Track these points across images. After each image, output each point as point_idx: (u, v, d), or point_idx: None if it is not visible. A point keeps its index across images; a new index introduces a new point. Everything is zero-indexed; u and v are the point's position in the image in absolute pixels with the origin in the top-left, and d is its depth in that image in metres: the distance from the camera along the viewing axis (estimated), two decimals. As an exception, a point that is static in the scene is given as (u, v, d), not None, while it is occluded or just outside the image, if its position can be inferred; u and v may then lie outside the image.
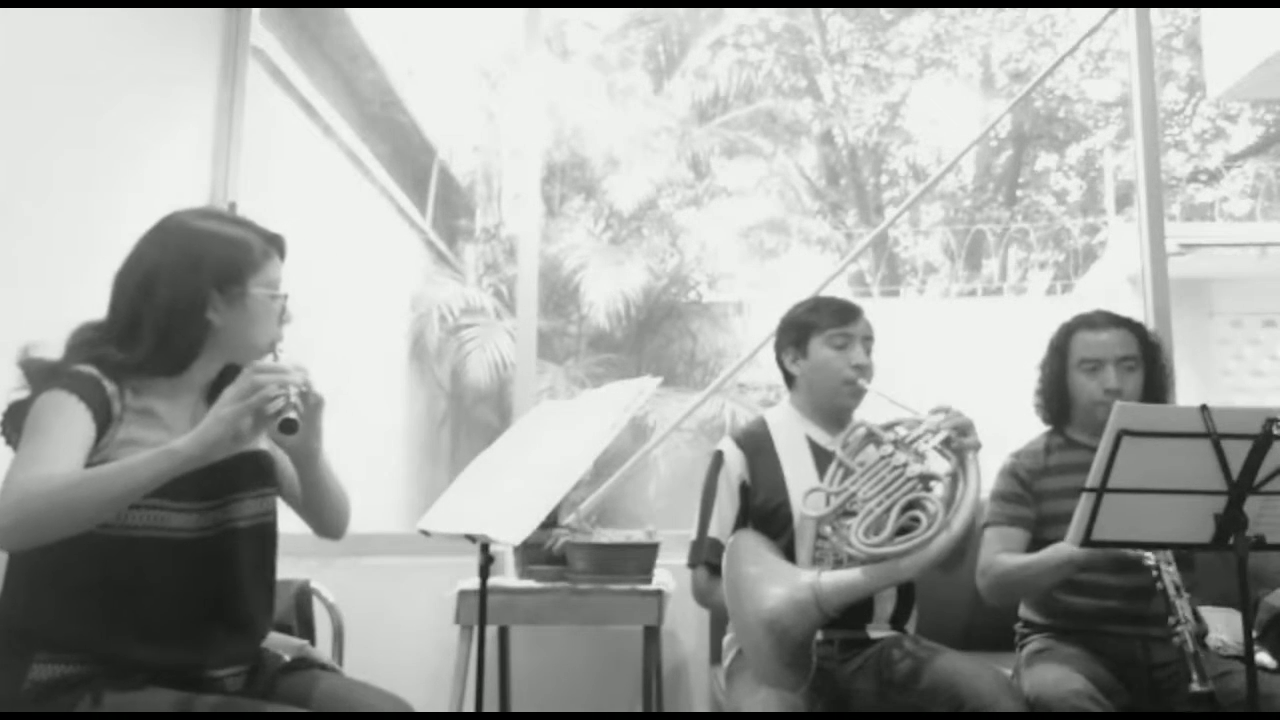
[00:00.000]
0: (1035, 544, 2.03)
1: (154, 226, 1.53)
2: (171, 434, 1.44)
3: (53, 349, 1.48)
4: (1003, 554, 2.03)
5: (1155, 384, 2.12)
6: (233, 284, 1.49)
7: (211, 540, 1.48)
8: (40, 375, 1.43)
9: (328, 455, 1.58)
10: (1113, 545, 1.69)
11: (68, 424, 1.35)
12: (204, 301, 1.47)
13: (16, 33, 2.26)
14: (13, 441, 1.40)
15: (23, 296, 2.22)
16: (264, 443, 1.58)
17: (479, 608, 1.81)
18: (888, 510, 1.74)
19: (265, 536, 1.58)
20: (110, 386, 1.42)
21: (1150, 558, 1.86)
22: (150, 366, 1.45)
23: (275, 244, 1.57)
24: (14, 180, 2.25)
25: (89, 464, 1.35)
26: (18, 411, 1.40)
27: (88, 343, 1.47)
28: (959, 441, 1.79)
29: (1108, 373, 2.06)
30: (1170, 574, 1.83)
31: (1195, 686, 1.68)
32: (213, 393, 1.54)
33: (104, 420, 1.39)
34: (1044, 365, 2.19)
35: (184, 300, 1.46)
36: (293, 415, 1.35)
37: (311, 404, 1.46)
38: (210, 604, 1.47)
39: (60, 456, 1.31)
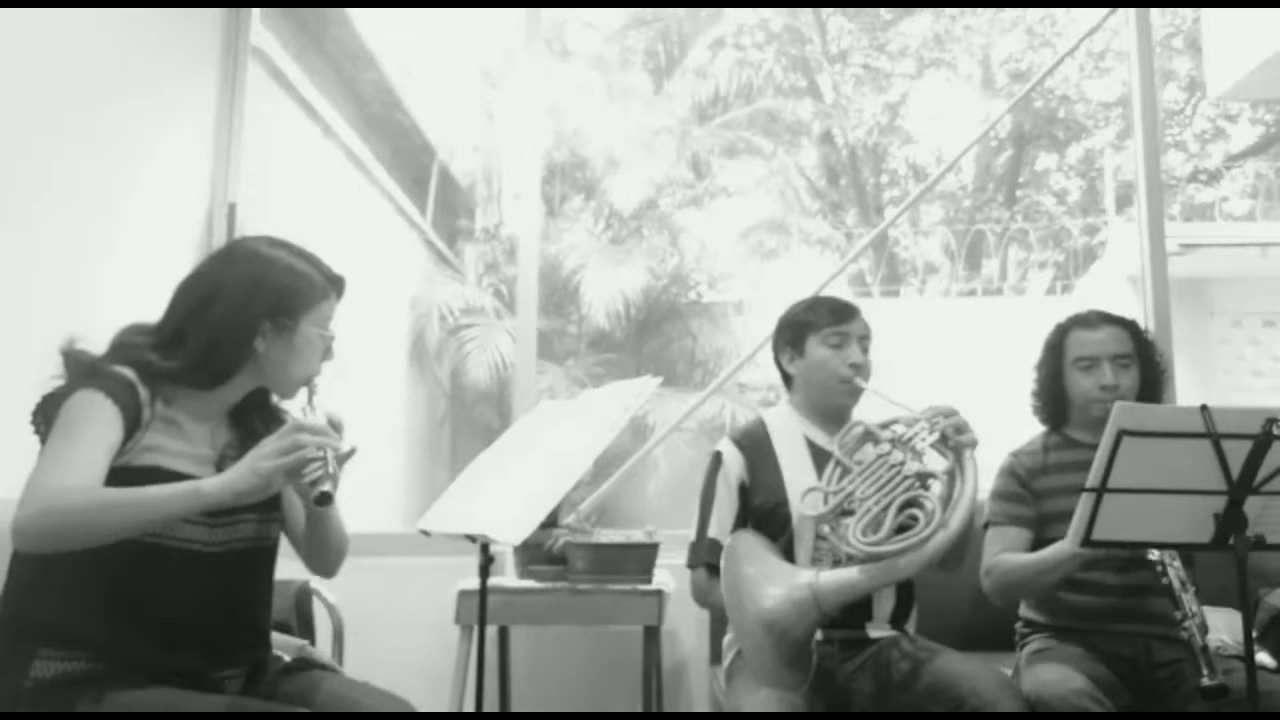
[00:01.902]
0: (1037, 543, 2.02)
1: (224, 247, 1.60)
2: (191, 445, 1.48)
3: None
4: (1005, 553, 2.03)
5: (1151, 380, 2.12)
6: (285, 316, 1.51)
7: (216, 555, 1.48)
8: (79, 370, 1.44)
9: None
10: (1113, 546, 1.69)
11: (97, 427, 1.36)
12: (254, 329, 1.49)
13: (16, 32, 2.26)
14: (41, 434, 1.41)
15: (22, 295, 2.22)
16: None
17: (479, 608, 1.81)
18: (885, 509, 1.73)
19: (265, 559, 1.59)
20: (144, 393, 1.43)
21: (1155, 553, 1.86)
22: (185, 378, 1.47)
23: (336, 284, 1.60)
24: (13, 179, 2.25)
25: (112, 466, 1.36)
26: (50, 404, 1.41)
27: (132, 345, 1.48)
28: (955, 439, 1.78)
29: (1104, 369, 2.06)
30: (1175, 569, 1.83)
31: (1206, 680, 1.68)
32: (236, 414, 1.57)
33: (133, 424, 1.41)
34: (1040, 366, 2.19)
35: (235, 323, 1.48)
36: (329, 488, 1.35)
37: (342, 459, 1.45)
38: (215, 611, 1.48)
39: (85, 463, 1.33)
